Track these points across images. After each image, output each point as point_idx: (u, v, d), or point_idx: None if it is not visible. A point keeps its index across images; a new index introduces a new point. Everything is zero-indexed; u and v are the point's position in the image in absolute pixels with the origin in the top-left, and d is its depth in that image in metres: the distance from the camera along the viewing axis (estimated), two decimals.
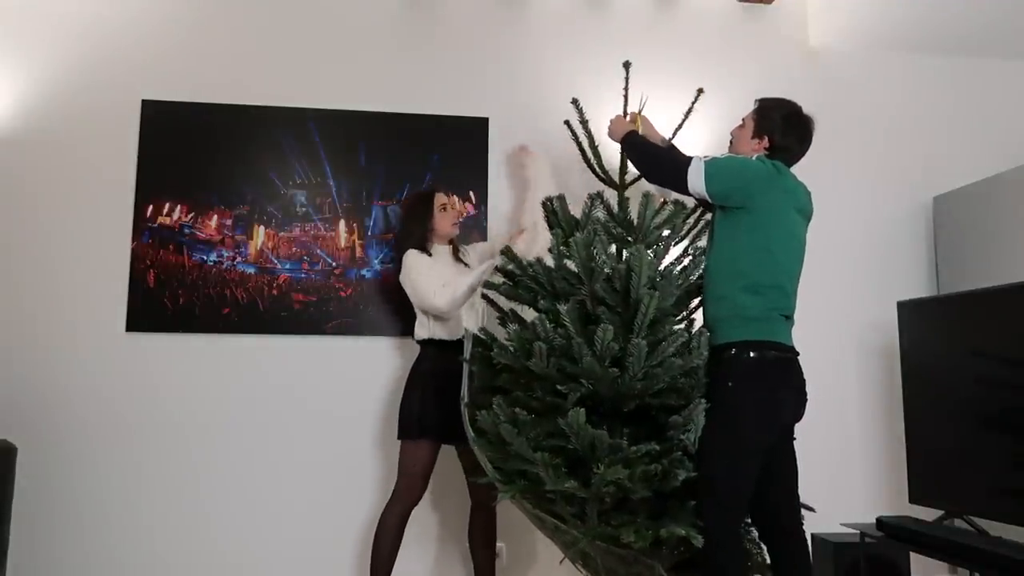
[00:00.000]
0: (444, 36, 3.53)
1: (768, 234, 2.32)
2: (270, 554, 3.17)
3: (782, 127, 2.43)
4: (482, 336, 2.66)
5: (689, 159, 2.40)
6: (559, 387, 2.30)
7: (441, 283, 2.82)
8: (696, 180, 2.35)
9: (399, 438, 2.87)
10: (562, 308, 2.34)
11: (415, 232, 3.00)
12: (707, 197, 2.37)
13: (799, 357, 2.36)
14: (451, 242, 3.08)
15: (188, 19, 3.39)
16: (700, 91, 2.87)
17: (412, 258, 2.92)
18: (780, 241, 2.33)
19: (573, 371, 2.28)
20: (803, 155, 2.48)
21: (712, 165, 2.35)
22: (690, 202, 2.61)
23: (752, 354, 2.26)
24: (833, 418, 3.45)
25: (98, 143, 3.26)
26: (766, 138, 2.44)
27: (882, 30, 3.65)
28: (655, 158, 2.51)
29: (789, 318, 2.37)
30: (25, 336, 3.15)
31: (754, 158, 2.39)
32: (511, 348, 2.44)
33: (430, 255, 2.98)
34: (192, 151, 3.30)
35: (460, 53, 3.52)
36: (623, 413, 2.35)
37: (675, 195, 2.59)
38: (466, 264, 3.05)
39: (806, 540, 2.39)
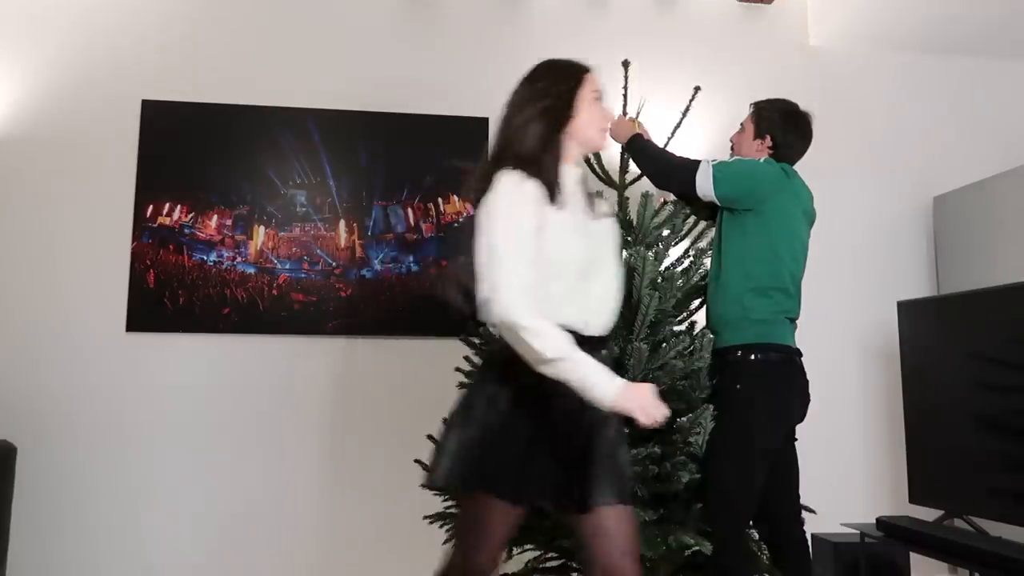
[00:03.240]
0: (444, 36, 3.53)
1: (775, 236, 2.31)
2: (271, 553, 3.17)
3: (782, 125, 2.43)
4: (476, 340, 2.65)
5: (697, 163, 2.37)
6: None
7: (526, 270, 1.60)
8: (704, 183, 2.34)
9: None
10: None
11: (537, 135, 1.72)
12: (715, 200, 2.36)
13: (801, 358, 2.36)
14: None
15: (188, 19, 3.39)
16: (697, 89, 2.86)
17: (505, 184, 1.66)
18: (786, 244, 2.33)
19: None
20: (805, 152, 2.48)
21: (720, 168, 2.34)
22: None
23: (758, 356, 2.26)
24: (833, 418, 3.45)
25: (98, 143, 3.26)
26: (768, 137, 2.43)
27: (882, 30, 3.65)
28: (662, 162, 2.48)
29: (794, 321, 2.38)
30: (25, 336, 3.14)
31: (761, 160, 2.39)
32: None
33: (554, 191, 1.69)
34: (192, 151, 3.29)
35: (460, 53, 3.52)
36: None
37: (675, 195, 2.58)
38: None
39: (807, 541, 2.40)
